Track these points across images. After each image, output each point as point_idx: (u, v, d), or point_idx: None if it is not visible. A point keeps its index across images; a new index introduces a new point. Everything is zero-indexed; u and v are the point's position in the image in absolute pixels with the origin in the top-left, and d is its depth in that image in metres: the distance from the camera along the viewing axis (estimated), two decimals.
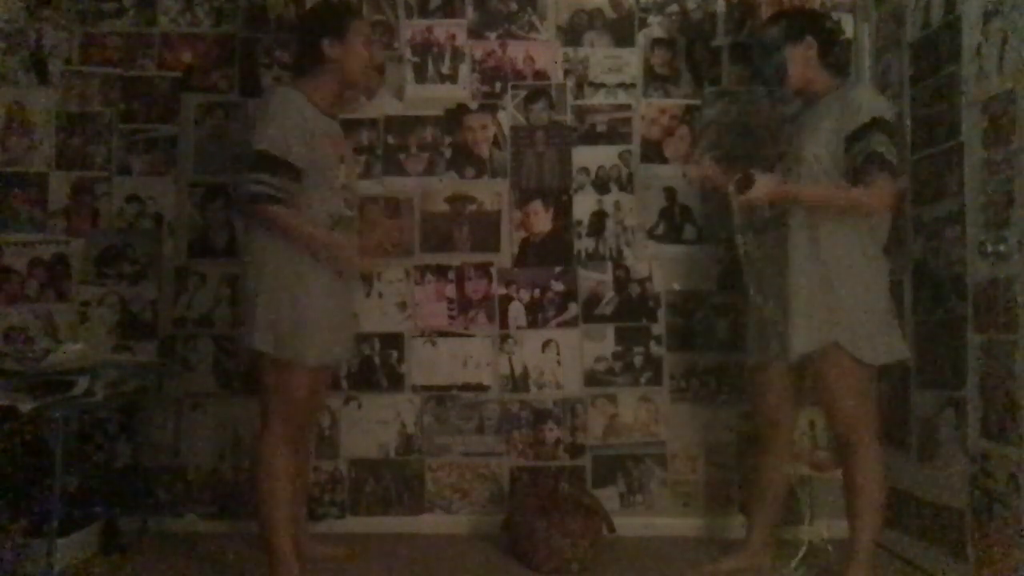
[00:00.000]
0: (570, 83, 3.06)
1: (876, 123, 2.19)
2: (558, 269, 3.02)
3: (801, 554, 2.56)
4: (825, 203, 2.25)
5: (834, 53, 2.51)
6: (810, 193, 2.26)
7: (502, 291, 3.02)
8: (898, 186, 2.29)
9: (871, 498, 2.24)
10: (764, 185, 2.25)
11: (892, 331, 2.29)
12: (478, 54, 3.07)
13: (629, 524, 2.87)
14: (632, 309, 3.00)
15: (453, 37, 3.07)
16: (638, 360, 2.99)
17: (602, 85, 3.06)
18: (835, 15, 3.03)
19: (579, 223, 3.03)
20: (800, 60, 2.36)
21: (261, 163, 2.23)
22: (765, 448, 2.50)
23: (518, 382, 3.00)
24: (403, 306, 2.99)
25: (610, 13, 3.09)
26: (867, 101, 2.25)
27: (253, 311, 2.27)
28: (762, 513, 2.51)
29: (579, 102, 3.06)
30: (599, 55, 3.07)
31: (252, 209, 2.27)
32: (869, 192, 2.18)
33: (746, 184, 2.24)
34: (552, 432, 2.99)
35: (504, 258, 3.03)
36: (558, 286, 3.02)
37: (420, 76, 3.07)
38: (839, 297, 2.22)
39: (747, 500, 2.64)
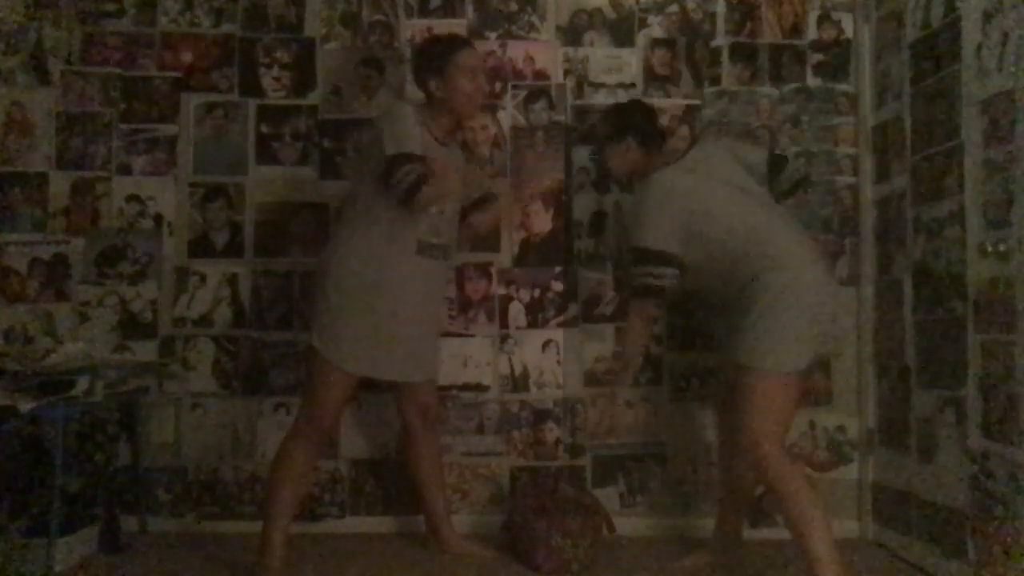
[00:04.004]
0: (570, 83, 3.06)
1: (635, 253, 2.37)
2: (558, 269, 3.02)
3: None
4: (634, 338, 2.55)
5: (656, 142, 2.54)
6: (631, 345, 2.58)
7: (502, 291, 3.02)
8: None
9: (800, 513, 2.15)
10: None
11: (786, 343, 2.21)
12: None
13: (629, 524, 2.88)
14: None
15: None
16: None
17: (602, 85, 3.06)
18: (835, 15, 3.04)
19: (579, 223, 3.03)
20: (619, 156, 2.52)
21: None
22: (729, 449, 2.51)
23: (518, 382, 3.00)
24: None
25: (610, 13, 3.09)
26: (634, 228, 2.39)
27: (318, 311, 2.42)
28: (729, 512, 2.55)
29: (579, 102, 3.06)
30: (599, 55, 3.07)
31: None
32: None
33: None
34: (552, 432, 2.99)
35: (504, 258, 3.03)
36: (558, 286, 3.02)
37: None
38: (749, 318, 2.26)
39: (720, 498, 2.64)
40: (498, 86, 3.06)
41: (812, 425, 2.94)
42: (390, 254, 2.39)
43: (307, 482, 2.55)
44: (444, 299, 2.81)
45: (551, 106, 3.06)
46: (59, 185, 3.01)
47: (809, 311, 2.18)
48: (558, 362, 3.00)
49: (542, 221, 3.04)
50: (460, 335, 3.00)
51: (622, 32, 3.08)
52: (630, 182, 2.61)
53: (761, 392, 2.17)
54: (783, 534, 2.83)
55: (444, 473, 2.77)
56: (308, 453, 2.42)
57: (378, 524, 2.95)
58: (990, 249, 2.19)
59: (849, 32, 3.03)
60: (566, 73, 3.07)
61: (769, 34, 3.06)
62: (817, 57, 3.04)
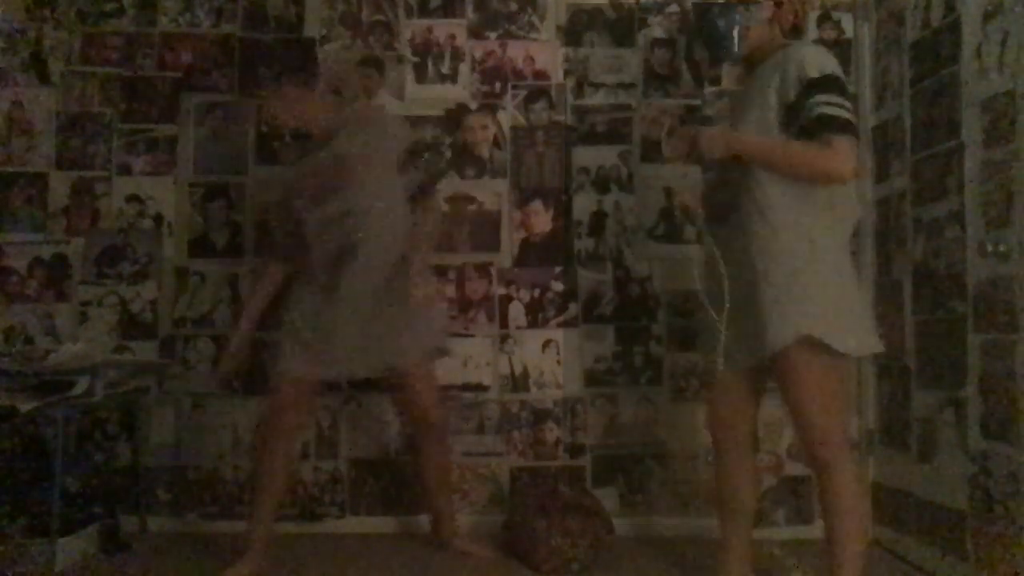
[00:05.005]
0: (570, 83, 3.06)
1: (824, 81, 1.94)
2: (558, 269, 3.02)
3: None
4: (780, 160, 1.97)
5: (784, 12, 2.18)
6: (759, 144, 1.99)
7: (502, 291, 3.02)
8: (859, 152, 1.99)
9: (852, 515, 1.99)
10: (710, 139, 2.01)
11: (865, 324, 2.07)
12: (478, 54, 3.07)
13: (629, 524, 2.88)
14: (632, 309, 3.00)
15: (453, 37, 3.07)
16: (638, 360, 2.99)
17: (602, 85, 3.06)
18: (835, 15, 3.04)
19: (579, 223, 3.03)
20: (757, 24, 2.12)
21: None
22: (726, 457, 2.20)
23: (518, 382, 3.00)
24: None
25: (610, 13, 3.09)
26: (811, 58, 1.97)
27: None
28: (733, 523, 2.22)
29: (579, 102, 3.06)
30: (599, 55, 3.07)
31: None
32: (826, 152, 1.90)
33: (686, 141, 2.06)
34: (552, 432, 2.99)
35: (504, 258, 3.03)
36: (558, 286, 3.02)
37: (420, 76, 3.07)
38: (806, 286, 1.95)
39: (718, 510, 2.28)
40: (498, 86, 3.06)
41: None
42: (315, 248, 2.43)
43: (283, 477, 2.51)
44: (418, 275, 2.46)
45: (551, 106, 3.06)
46: (59, 185, 3.01)
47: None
48: (558, 362, 3.00)
49: (542, 221, 3.04)
50: (460, 335, 3.00)
51: (622, 32, 3.08)
52: (748, 59, 2.17)
53: (836, 376, 1.98)
54: (784, 534, 2.85)
55: (451, 476, 2.76)
56: (277, 457, 2.45)
57: (378, 524, 2.95)
58: (990, 249, 2.19)
59: (849, 32, 3.03)
60: (566, 73, 3.07)
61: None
62: None
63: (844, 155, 1.89)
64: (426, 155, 2.88)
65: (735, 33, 2.08)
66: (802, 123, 1.93)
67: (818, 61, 1.96)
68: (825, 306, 1.94)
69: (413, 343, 2.49)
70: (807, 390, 1.96)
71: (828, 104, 1.91)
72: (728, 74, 3.04)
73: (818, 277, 1.96)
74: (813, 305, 1.94)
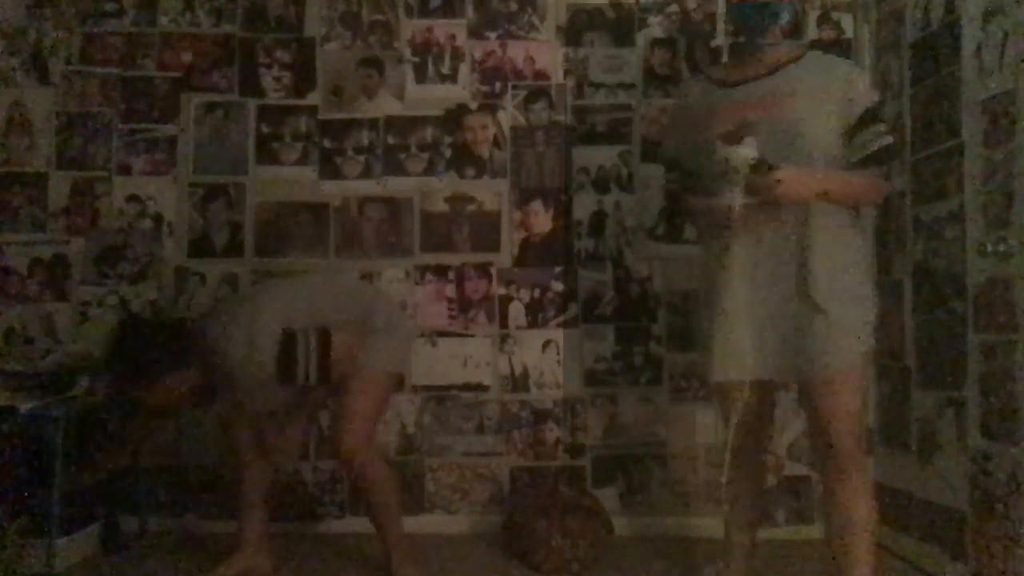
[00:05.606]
0: (570, 83, 3.06)
1: (879, 108, 2.01)
2: (558, 269, 3.02)
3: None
4: (847, 197, 1.98)
5: None
6: (835, 184, 1.94)
7: (502, 291, 3.02)
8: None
9: (865, 524, 1.98)
10: (796, 183, 1.88)
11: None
12: (478, 54, 3.07)
13: (629, 524, 2.87)
14: (632, 309, 3.00)
15: (453, 37, 3.07)
16: (638, 360, 2.99)
17: (602, 85, 3.06)
18: (835, 15, 3.03)
19: (579, 223, 3.03)
20: (790, 22, 2.08)
21: None
22: (740, 464, 2.16)
23: (518, 382, 3.00)
24: (403, 306, 2.99)
25: (610, 13, 3.08)
26: (862, 80, 2.03)
27: None
28: (742, 523, 2.26)
29: (579, 102, 3.06)
30: (599, 55, 3.07)
31: None
32: (880, 185, 2.06)
33: (767, 184, 1.87)
34: (552, 432, 2.99)
35: (504, 258, 3.03)
36: (558, 286, 3.02)
37: (420, 76, 3.07)
38: (861, 301, 1.98)
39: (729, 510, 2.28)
40: (498, 86, 3.06)
41: None
42: None
43: (264, 477, 2.52)
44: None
45: (551, 106, 3.06)
46: (59, 185, 3.01)
47: None
48: (558, 362, 3.00)
49: (542, 221, 3.04)
50: (460, 335, 3.00)
51: (622, 32, 3.08)
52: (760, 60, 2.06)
53: (864, 384, 2.04)
54: (784, 534, 2.85)
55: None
56: (253, 457, 2.48)
57: None
58: (990, 249, 2.18)
59: (849, 32, 3.03)
60: (566, 73, 3.07)
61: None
62: None
63: (881, 187, 2.09)
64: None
65: (777, 26, 2.05)
66: (861, 155, 1.97)
67: (867, 83, 2.04)
68: (872, 320, 2.00)
69: None
70: (849, 404, 1.96)
71: (885, 135, 1.98)
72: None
73: (869, 290, 2.03)
74: (868, 322, 1.98)
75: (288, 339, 2.21)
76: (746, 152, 1.88)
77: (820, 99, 1.95)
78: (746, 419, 2.06)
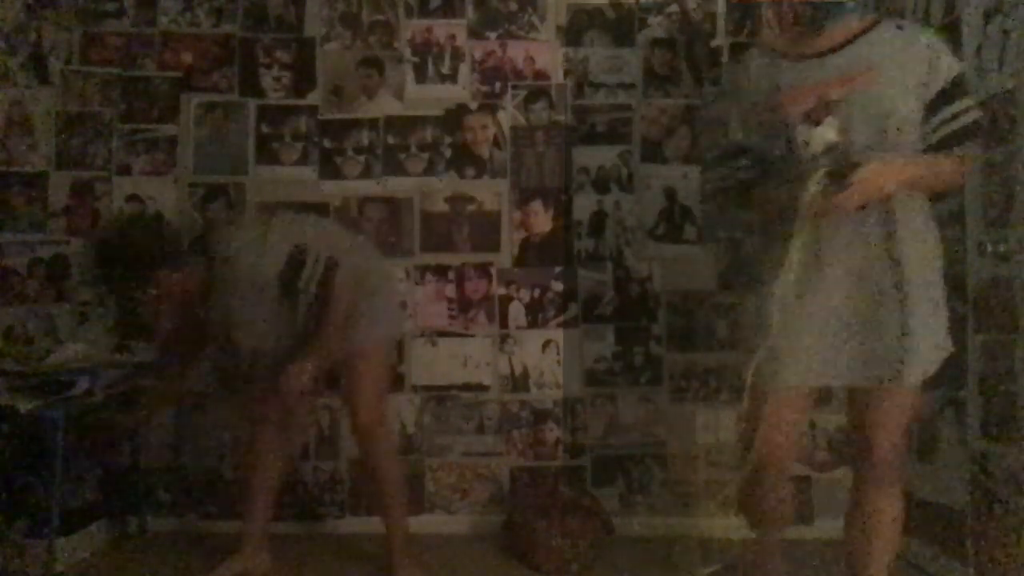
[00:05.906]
0: (570, 83, 3.06)
1: (964, 79, 1.81)
2: (558, 269, 3.02)
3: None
4: (932, 185, 1.82)
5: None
6: (922, 172, 1.77)
7: (502, 291, 3.02)
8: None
9: (892, 534, 1.96)
10: (881, 175, 1.69)
11: None
12: (478, 54, 3.07)
13: (629, 524, 2.88)
14: (632, 309, 3.00)
15: (453, 37, 3.07)
16: (638, 360, 2.99)
17: (602, 85, 3.06)
18: None
19: (579, 223, 3.03)
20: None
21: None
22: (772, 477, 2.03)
23: (518, 382, 3.00)
24: (403, 306, 2.99)
25: (610, 13, 3.08)
26: (944, 50, 1.80)
27: None
28: (770, 533, 2.20)
29: (579, 102, 3.06)
30: (599, 55, 3.07)
31: None
32: (963, 168, 1.82)
33: (853, 189, 1.67)
34: (552, 432, 2.99)
35: (504, 258, 3.03)
36: (558, 286, 3.02)
37: (420, 76, 3.07)
38: (943, 301, 1.86)
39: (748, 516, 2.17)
40: (498, 86, 3.06)
41: (812, 425, 2.94)
42: None
43: (262, 473, 2.54)
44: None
45: (551, 106, 3.06)
46: (59, 185, 3.01)
47: None
48: (558, 362, 3.00)
49: (542, 221, 3.04)
50: (460, 335, 3.00)
51: (622, 32, 3.08)
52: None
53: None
54: (783, 534, 2.83)
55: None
56: (259, 453, 2.53)
57: (378, 524, 2.93)
58: (990, 249, 2.18)
59: None
60: (566, 73, 3.07)
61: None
62: None
63: (969, 167, 1.86)
64: None
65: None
66: (944, 133, 1.78)
67: (949, 53, 1.80)
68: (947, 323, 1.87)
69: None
70: (905, 412, 1.88)
71: (972, 109, 1.79)
72: (728, 70, 3.03)
73: (943, 293, 1.87)
74: (945, 327, 1.86)
75: (298, 253, 2.27)
76: (828, 134, 1.71)
77: (902, 73, 1.76)
78: (784, 428, 1.92)
